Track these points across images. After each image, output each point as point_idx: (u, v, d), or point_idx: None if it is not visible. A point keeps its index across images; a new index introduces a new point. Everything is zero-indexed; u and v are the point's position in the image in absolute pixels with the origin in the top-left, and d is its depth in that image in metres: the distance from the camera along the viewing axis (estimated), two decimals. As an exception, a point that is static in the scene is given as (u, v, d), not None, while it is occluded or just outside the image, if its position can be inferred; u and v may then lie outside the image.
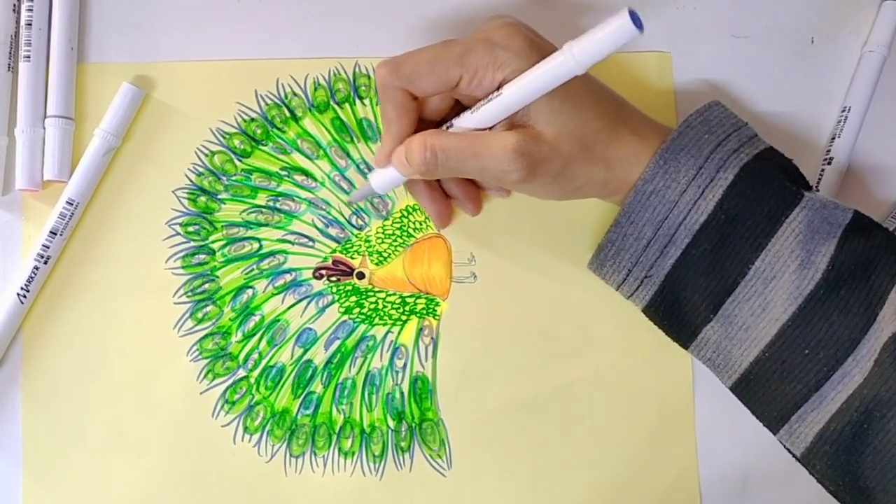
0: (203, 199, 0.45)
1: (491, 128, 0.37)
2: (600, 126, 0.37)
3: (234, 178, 0.45)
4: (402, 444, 0.44)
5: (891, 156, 0.47)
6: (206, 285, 0.44)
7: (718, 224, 0.37)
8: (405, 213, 0.45)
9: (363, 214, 0.45)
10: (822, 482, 0.38)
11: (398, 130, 0.38)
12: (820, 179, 0.46)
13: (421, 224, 0.45)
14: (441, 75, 0.36)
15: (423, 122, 0.40)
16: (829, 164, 0.45)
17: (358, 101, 0.46)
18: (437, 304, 0.45)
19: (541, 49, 0.36)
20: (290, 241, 0.45)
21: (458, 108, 0.40)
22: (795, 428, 0.37)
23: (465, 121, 0.37)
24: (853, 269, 0.36)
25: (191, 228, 0.45)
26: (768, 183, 0.37)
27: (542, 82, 0.35)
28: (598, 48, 0.33)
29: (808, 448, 0.37)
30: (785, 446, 0.39)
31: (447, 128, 0.38)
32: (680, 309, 0.39)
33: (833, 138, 0.46)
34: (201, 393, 0.44)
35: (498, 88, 0.36)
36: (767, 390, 0.38)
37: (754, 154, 0.38)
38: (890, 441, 0.34)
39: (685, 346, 0.40)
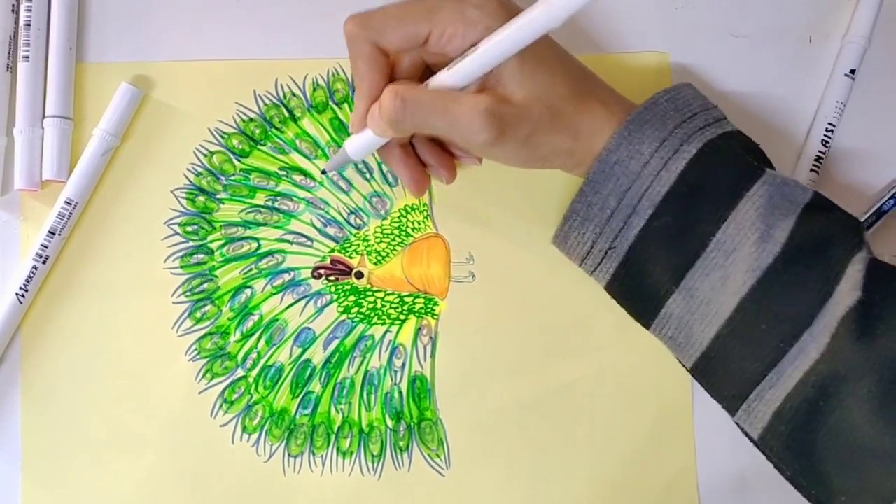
0: (202, 198, 0.45)
1: (463, 90, 0.37)
2: (569, 94, 0.38)
3: (232, 177, 0.45)
4: (401, 443, 0.44)
5: (873, 147, 0.47)
6: (205, 285, 0.45)
7: (681, 195, 0.37)
8: (403, 213, 0.45)
9: (361, 214, 0.45)
10: (779, 467, 0.38)
11: (369, 87, 0.38)
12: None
13: (419, 224, 0.45)
14: (409, 29, 0.36)
15: None
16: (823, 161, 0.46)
17: (356, 101, 0.46)
18: (435, 304, 0.45)
19: (511, 10, 0.36)
20: (288, 241, 0.45)
21: (429, 75, 0.39)
22: (754, 406, 0.37)
23: (440, 78, 0.37)
24: (812, 244, 0.36)
25: (189, 228, 0.45)
26: (731, 157, 0.38)
27: (520, 35, 0.35)
28: None
29: (765, 429, 0.37)
30: (743, 430, 0.39)
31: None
32: (643, 282, 0.39)
33: (826, 138, 0.46)
34: (200, 392, 0.44)
35: (470, 47, 0.36)
36: (727, 368, 0.38)
37: (719, 133, 0.38)
38: (845, 419, 0.34)
39: (648, 324, 0.40)
